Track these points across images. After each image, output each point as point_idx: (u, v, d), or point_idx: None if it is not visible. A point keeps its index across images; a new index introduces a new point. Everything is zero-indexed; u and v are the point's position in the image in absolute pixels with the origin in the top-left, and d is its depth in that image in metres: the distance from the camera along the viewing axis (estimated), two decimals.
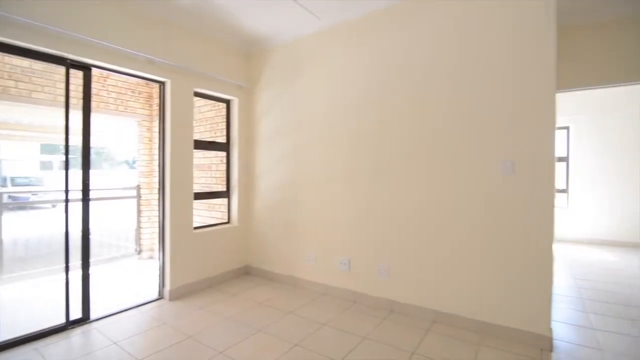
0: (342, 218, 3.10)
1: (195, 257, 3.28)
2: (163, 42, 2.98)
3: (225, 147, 3.81)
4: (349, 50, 3.06)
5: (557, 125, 5.61)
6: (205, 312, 2.79)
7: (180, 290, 3.12)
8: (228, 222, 3.81)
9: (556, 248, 5.20)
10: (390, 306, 2.81)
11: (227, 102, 3.81)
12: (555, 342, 2.26)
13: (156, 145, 4.18)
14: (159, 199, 3.12)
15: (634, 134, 5.27)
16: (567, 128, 5.83)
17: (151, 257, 4.55)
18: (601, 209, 5.53)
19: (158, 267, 3.12)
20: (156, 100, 4.19)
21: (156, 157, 4.15)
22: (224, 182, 3.85)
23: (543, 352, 2.14)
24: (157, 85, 3.17)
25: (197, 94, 3.39)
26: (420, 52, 2.68)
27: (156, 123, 4.19)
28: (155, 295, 3.11)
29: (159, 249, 3.12)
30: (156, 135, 4.22)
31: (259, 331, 2.46)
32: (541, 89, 2.21)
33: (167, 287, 3.06)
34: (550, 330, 2.19)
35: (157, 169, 3.42)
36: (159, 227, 3.11)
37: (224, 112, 3.84)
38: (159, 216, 3.12)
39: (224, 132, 3.84)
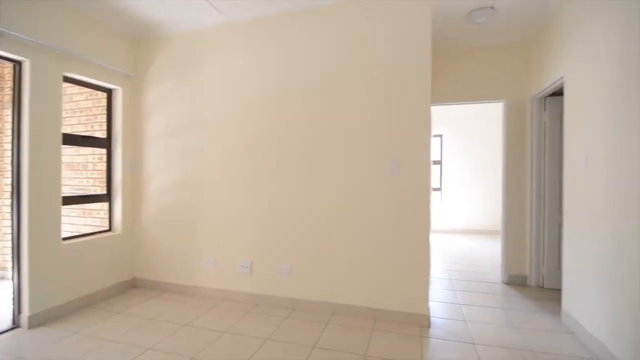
0: (243, 219, 3.02)
1: (66, 273, 2.76)
2: (21, 11, 2.42)
3: (105, 143, 3.31)
4: (252, 50, 3.00)
5: (433, 133, 6.60)
6: (79, 337, 2.37)
7: (44, 315, 2.58)
8: (109, 230, 3.32)
9: (432, 238, 6.08)
10: (292, 304, 2.85)
11: (109, 92, 3.32)
12: (432, 319, 2.63)
13: (8, 139, 3.38)
14: (11, 204, 2.53)
15: (491, 142, 6.54)
16: (440, 136, 6.86)
17: (2, 278, 3.65)
18: (467, 204, 6.70)
19: (12, 290, 2.52)
20: (9, 84, 3.39)
21: (8, 152, 3.35)
22: (104, 184, 3.34)
23: (422, 329, 2.47)
24: (10, 65, 2.57)
25: (68, 80, 2.87)
26: (321, 59, 2.80)
27: (8, 112, 3.39)
28: (8, 324, 2.51)
29: (13, 267, 2.52)
30: (8, 126, 3.41)
31: (149, 349, 2.21)
32: (420, 102, 2.55)
33: (25, 313, 2.49)
34: (428, 309, 2.54)
35: (9, 167, 2.75)
36: (12, 240, 2.52)
37: (104, 102, 3.33)
38: (12, 226, 2.53)
39: (104, 126, 3.33)
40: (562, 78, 2.72)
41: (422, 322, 2.52)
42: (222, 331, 2.46)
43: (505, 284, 3.51)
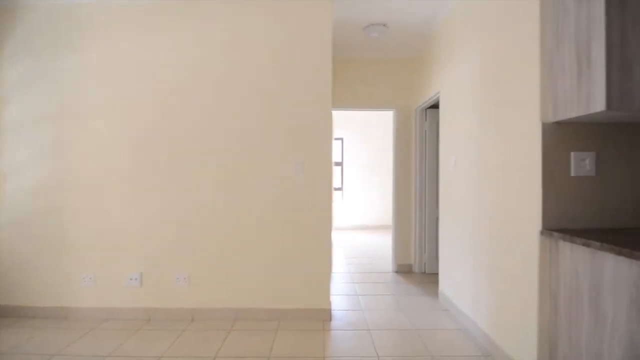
0: (130, 227, 2.68)
1: None
2: None
3: None
4: (142, 37, 2.68)
5: (335, 136, 6.97)
6: None
7: None
8: None
9: (334, 236, 6.44)
10: (192, 315, 2.65)
11: None
12: (334, 312, 2.77)
13: None
14: None
15: (386, 146, 7.23)
16: (341, 139, 7.30)
17: None
18: (366, 202, 7.29)
19: None
20: None
21: None
22: None
23: (325, 323, 2.58)
24: None
25: None
26: (222, 55, 2.67)
27: None
28: None
29: None
30: None
31: None
32: (322, 106, 2.66)
33: None
34: (329, 303, 2.66)
35: None
36: None
37: None
38: None
39: None
40: (438, 93, 3.18)
41: (325, 316, 2.63)
42: (103, 356, 2.13)
43: (395, 272, 3.93)
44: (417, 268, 3.92)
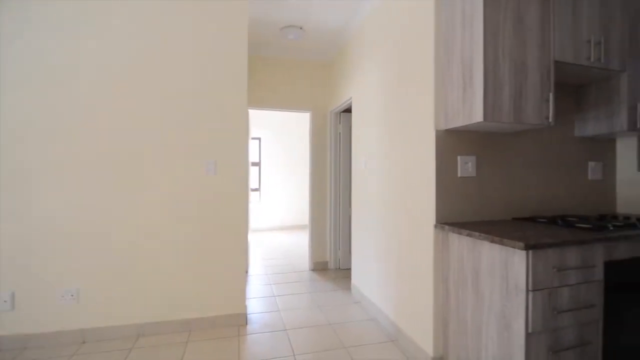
0: (1, 235, 2.20)
1: None
2: None
3: None
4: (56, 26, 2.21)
5: (252, 135, 6.83)
6: None
7: None
8: None
9: (251, 237, 6.30)
10: (83, 337, 2.30)
11: None
12: (249, 316, 2.70)
13: None
14: None
15: (303, 146, 7.34)
16: (259, 139, 7.19)
17: None
18: (284, 202, 7.28)
19: None
20: None
21: None
22: None
23: (240, 328, 2.50)
24: None
25: None
26: (129, 45, 2.38)
27: None
28: None
29: None
30: None
31: None
32: (237, 105, 2.57)
33: None
34: (245, 307, 2.59)
35: None
36: None
37: None
38: None
39: None
40: (351, 98, 3.36)
41: (240, 321, 2.55)
42: None
43: (312, 270, 4.03)
44: (333, 264, 4.09)
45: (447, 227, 1.83)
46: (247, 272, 3.95)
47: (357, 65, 3.16)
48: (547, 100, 1.73)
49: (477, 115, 1.65)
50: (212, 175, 2.52)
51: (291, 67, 4.01)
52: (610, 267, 1.56)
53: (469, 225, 1.83)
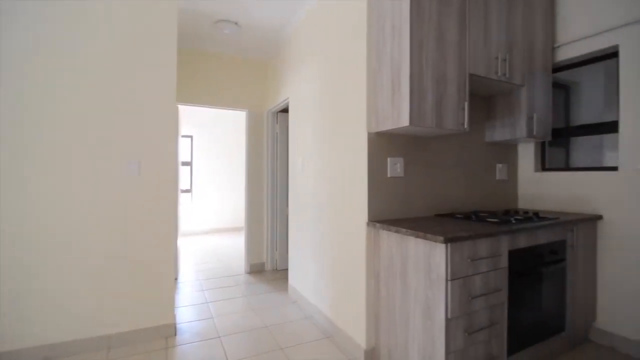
0: None
1: None
2: None
3: None
4: None
5: (182, 133, 6.43)
6: None
7: None
8: None
9: (182, 241, 5.93)
10: None
11: None
12: (179, 326, 2.53)
13: None
14: None
15: (238, 146, 7.11)
16: (191, 137, 6.79)
17: None
18: (218, 204, 6.98)
19: None
20: None
21: None
22: None
23: (168, 339, 2.33)
24: None
25: None
26: (55, 48, 2.05)
27: None
28: None
29: None
30: None
31: None
32: (165, 100, 2.39)
33: None
34: (174, 317, 2.42)
35: None
36: None
37: None
38: None
39: None
40: (288, 98, 3.36)
41: (169, 332, 2.38)
42: None
43: (248, 273, 3.93)
44: (270, 266, 4.04)
45: (378, 224, 1.93)
46: (176, 279, 3.70)
47: (294, 66, 3.18)
48: (463, 109, 1.93)
49: (404, 119, 1.77)
50: (136, 176, 2.31)
51: (228, 63, 3.87)
52: (513, 255, 1.79)
53: (398, 222, 1.95)
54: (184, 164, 6.70)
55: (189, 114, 6.68)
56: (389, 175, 2.08)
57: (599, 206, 2.28)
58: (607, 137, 2.51)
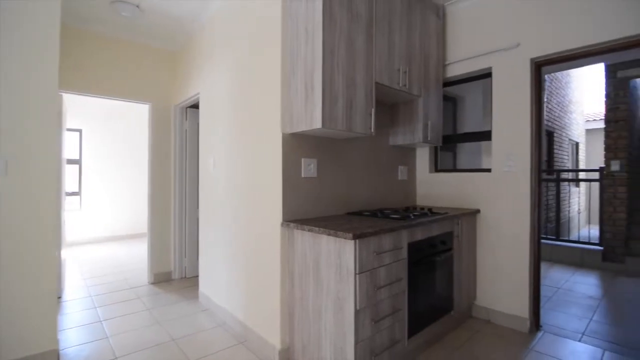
0: None
1: None
2: None
3: None
4: None
5: (68, 126, 5.52)
6: None
7: None
8: None
9: (69, 253, 5.08)
10: None
11: None
12: (64, 352, 2.17)
13: None
14: None
15: (139, 143, 6.38)
16: (80, 130, 5.87)
17: None
18: (114, 208, 6.16)
19: None
20: None
21: None
22: None
23: None
24: None
25: None
26: None
27: None
28: None
29: None
30: None
31: None
32: (43, 86, 2.01)
33: None
34: (57, 342, 2.05)
35: None
36: None
37: None
38: None
39: None
40: (198, 94, 3.16)
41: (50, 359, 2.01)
42: None
43: (152, 284, 3.57)
44: (178, 274, 3.73)
45: (292, 224, 1.95)
46: (59, 297, 3.15)
47: (207, 60, 3.00)
48: (370, 114, 2.08)
49: (317, 121, 1.83)
50: (3, 177, 1.89)
51: (130, 50, 3.45)
52: (412, 246, 2.00)
53: (311, 221, 2.00)
54: (70, 162, 5.75)
55: (79, 104, 5.77)
56: (303, 176, 2.12)
57: (478, 202, 2.69)
58: (485, 144, 2.99)
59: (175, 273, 3.72)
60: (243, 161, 2.42)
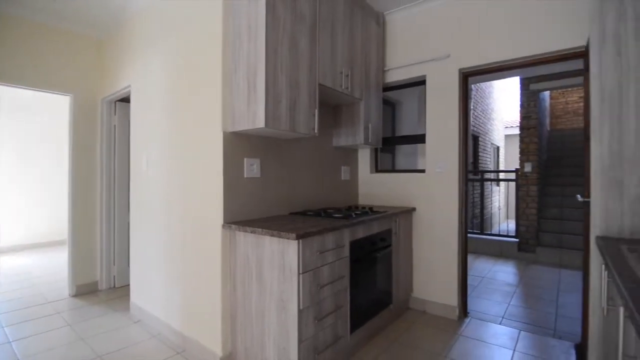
0: None
1: None
2: None
3: None
4: None
5: None
6: None
7: None
8: None
9: None
10: None
11: None
12: None
13: None
14: None
15: (53, 137, 5.66)
16: None
17: None
18: (28, 213, 5.39)
19: None
20: None
21: None
22: None
23: None
24: None
25: None
26: None
27: None
28: None
29: None
30: None
31: None
32: None
33: None
34: None
35: None
36: None
37: None
38: None
39: None
40: (129, 86, 2.91)
41: None
42: None
43: (74, 296, 3.20)
44: (105, 284, 3.39)
45: (233, 226, 1.88)
46: None
47: (140, 51, 2.77)
48: (314, 115, 2.10)
49: (259, 121, 1.79)
50: None
51: (49, 35, 3.04)
52: (353, 244, 2.06)
53: (254, 222, 1.96)
54: None
55: None
56: (245, 176, 2.07)
57: (414, 200, 2.87)
58: (420, 146, 3.20)
59: (102, 283, 3.38)
60: (180, 160, 2.28)
